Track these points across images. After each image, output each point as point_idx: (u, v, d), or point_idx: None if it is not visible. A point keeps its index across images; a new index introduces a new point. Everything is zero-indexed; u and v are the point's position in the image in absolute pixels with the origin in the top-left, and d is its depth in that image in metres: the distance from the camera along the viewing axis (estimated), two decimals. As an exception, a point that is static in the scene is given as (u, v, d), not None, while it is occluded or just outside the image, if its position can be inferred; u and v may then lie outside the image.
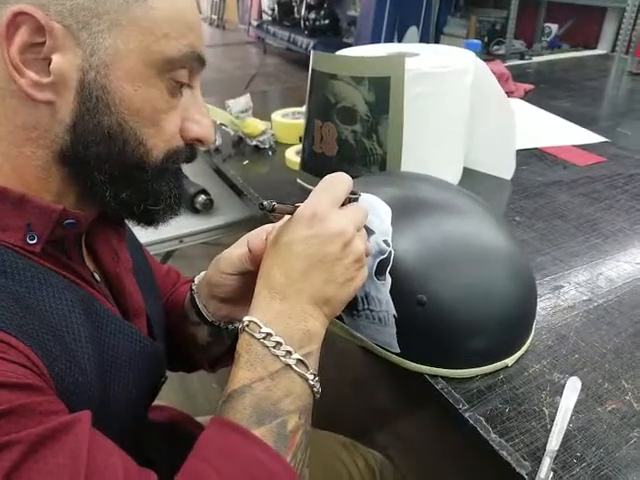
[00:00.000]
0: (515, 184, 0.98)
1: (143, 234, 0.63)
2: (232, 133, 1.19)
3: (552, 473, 0.44)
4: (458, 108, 0.90)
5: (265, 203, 0.44)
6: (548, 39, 3.38)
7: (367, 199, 0.57)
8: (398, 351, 0.54)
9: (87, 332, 0.42)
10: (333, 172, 0.69)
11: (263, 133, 1.16)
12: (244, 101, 1.18)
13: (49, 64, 0.38)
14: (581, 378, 0.53)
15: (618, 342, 0.58)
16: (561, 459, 0.46)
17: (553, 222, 0.84)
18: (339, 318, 0.57)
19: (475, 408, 0.51)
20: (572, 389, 0.52)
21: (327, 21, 4.75)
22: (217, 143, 1.17)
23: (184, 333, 0.62)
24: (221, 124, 1.18)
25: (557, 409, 0.50)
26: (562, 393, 0.51)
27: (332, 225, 0.44)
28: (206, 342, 0.61)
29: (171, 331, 0.63)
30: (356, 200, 0.50)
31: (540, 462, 0.45)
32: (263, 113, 1.25)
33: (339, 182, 0.48)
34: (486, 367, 0.54)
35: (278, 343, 0.42)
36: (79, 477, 0.33)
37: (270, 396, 0.41)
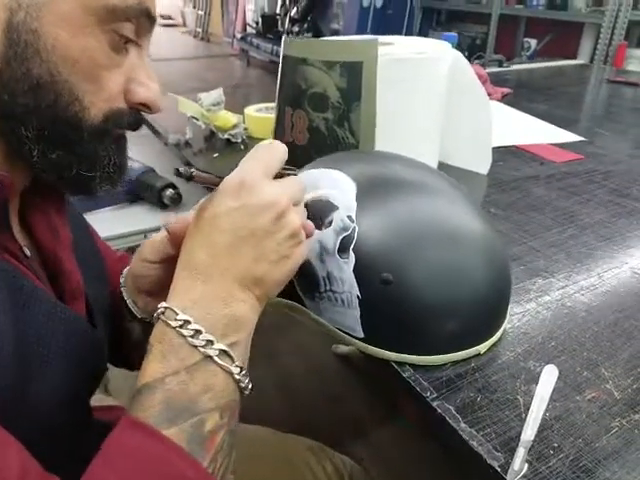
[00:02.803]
0: (491, 179, 0.95)
1: (105, 227, 0.58)
2: (203, 127, 1.15)
3: (527, 465, 0.40)
4: (433, 97, 0.87)
5: (182, 170, 0.38)
6: (527, 53, 3.41)
7: (331, 175, 0.54)
8: (362, 336, 0.50)
9: (7, 310, 0.37)
10: (304, 162, 0.66)
11: (235, 127, 1.12)
12: (216, 94, 1.14)
13: None
14: (558, 366, 0.49)
15: (597, 330, 0.55)
16: (537, 450, 0.42)
17: (529, 214, 0.81)
18: (300, 301, 0.53)
19: (444, 397, 0.46)
20: (548, 377, 0.48)
21: (310, 34, 4.76)
22: (187, 136, 1.13)
23: (121, 329, 0.57)
24: (192, 117, 1.14)
25: (532, 397, 0.46)
26: (538, 381, 0.48)
27: (262, 195, 0.39)
28: (139, 340, 0.56)
29: (116, 323, 0.57)
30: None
31: (514, 453, 0.41)
32: (236, 110, 1.21)
33: (272, 150, 0.43)
34: (457, 354, 0.50)
35: (197, 331, 0.36)
36: None
37: (185, 392, 0.35)
